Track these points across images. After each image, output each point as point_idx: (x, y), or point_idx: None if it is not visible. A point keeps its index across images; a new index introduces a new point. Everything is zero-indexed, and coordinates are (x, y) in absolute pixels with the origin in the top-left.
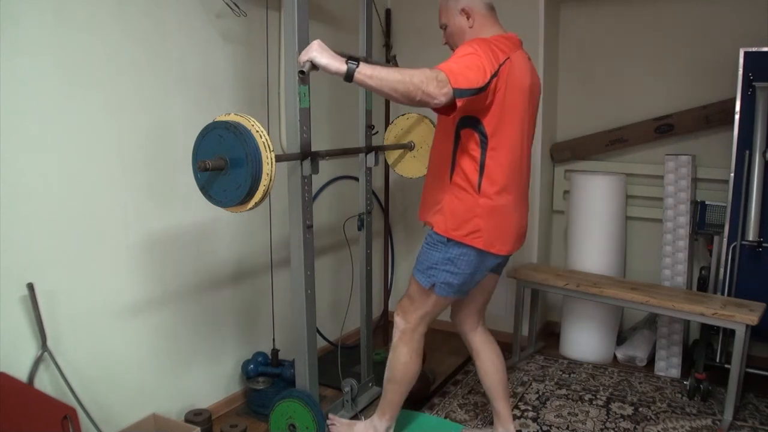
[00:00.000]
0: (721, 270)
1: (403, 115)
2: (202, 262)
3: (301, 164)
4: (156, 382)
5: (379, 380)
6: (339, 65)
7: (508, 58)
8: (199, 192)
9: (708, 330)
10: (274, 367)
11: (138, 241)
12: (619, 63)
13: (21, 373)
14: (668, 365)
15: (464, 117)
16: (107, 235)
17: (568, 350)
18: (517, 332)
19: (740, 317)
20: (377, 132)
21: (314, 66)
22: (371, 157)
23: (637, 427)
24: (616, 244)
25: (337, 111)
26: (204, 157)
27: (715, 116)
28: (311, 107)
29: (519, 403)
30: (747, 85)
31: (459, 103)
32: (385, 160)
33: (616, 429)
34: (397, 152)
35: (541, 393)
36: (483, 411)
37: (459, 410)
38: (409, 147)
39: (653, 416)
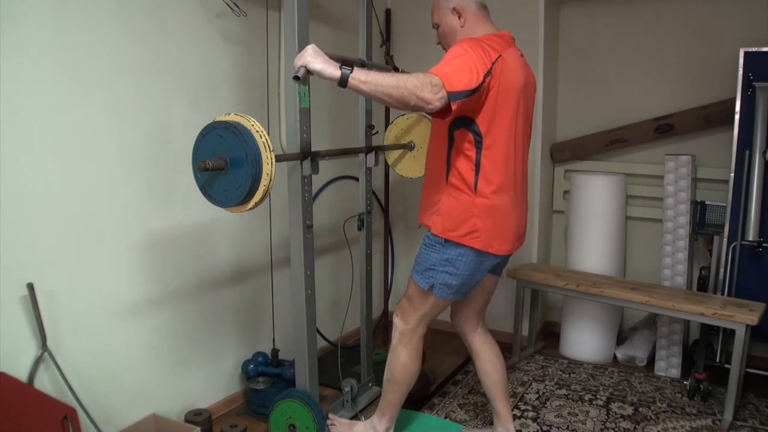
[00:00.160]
0: (721, 270)
1: (403, 115)
2: (202, 262)
3: (301, 164)
4: (156, 382)
5: (379, 380)
6: (333, 71)
7: (501, 55)
8: (199, 192)
9: (708, 330)
10: (274, 367)
11: (138, 241)
12: (619, 63)
13: (21, 373)
14: (668, 365)
15: (457, 117)
16: (107, 235)
17: (568, 350)
18: (517, 332)
19: (740, 317)
20: (377, 132)
21: (309, 71)
22: (371, 157)
23: (637, 427)
24: (616, 244)
25: (337, 111)
26: (204, 157)
27: (715, 116)
28: (311, 107)
29: (519, 403)
30: (747, 85)
31: (454, 106)
32: (385, 160)
33: (616, 429)
34: (397, 152)
35: (541, 393)
36: (483, 411)
37: (459, 410)
38: (409, 147)
39: (653, 416)
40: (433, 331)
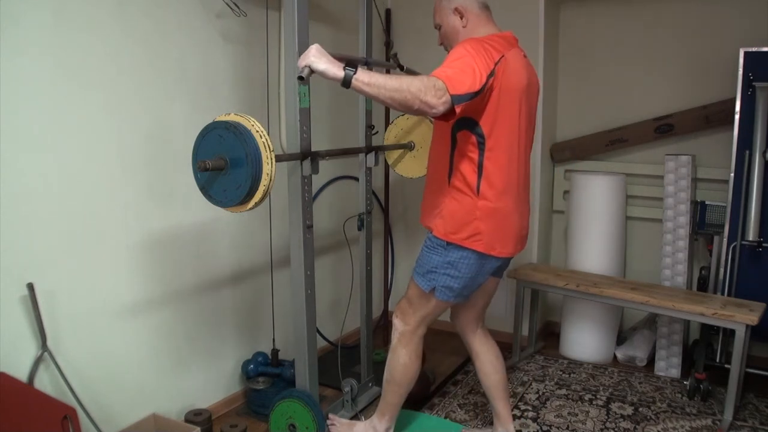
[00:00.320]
0: (721, 270)
1: (403, 115)
2: (202, 262)
3: (301, 164)
4: (156, 382)
5: (379, 380)
6: (336, 71)
7: (503, 56)
8: (199, 192)
9: (708, 330)
10: (274, 367)
11: (138, 241)
12: (619, 63)
13: (21, 373)
14: (668, 365)
15: (460, 119)
16: (107, 235)
17: (568, 350)
18: (517, 332)
19: (740, 317)
20: (377, 132)
21: (312, 71)
22: (371, 157)
23: (637, 427)
24: (616, 244)
25: (337, 111)
26: (204, 157)
27: (715, 116)
28: (311, 107)
29: (519, 403)
30: (747, 85)
31: (458, 109)
32: (385, 160)
33: (616, 429)
34: (397, 152)
35: (541, 393)
36: (483, 411)
37: (459, 410)
38: (409, 147)
39: (653, 416)
40: (433, 331)
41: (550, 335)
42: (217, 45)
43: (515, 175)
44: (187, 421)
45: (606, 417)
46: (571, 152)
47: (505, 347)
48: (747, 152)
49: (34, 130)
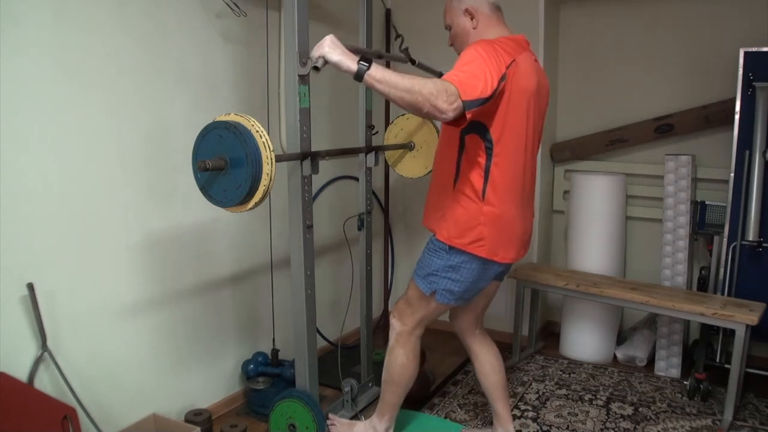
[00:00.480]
0: (721, 270)
1: (403, 115)
2: (202, 262)
3: (301, 164)
4: (156, 382)
5: (379, 380)
6: (350, 64)
7: (514, 60)
8: (199, 192)
9: (708, 330)
10: (274, 367)
11: (138, 241)
12: (619, 63)
13: (21, 373)
14: (668, 365)
15: (470, 122)
16: (107, 235)
17: (568, 350)
18: (517, 332)
19: (740, 317)
20: (377, 132)
21: (326, 62)
22: (371, 157)
23: (637, 427)
24: (616, 244)
25: (337, 111)
26: (204, 157)
27: (715, 116)
28: (311, 107)
29: (519, 403)
30: (747, 85)
31: (468, 115)
32: (385, 160)
33: (616, 429)
34: (397, 152)
35: (541, 393)
36: (483, 411)
37: (459, 410)
38: (409, 147)
39: (653, 416)
40: (433, 331)
41: (550, 335)
42: (217, 45)
43: (521, 180)
44: (187, 421)
45: (606, 417)
46: (571, 152)
47: (505, 347)
48: (747, 152)
49: (34, 130)
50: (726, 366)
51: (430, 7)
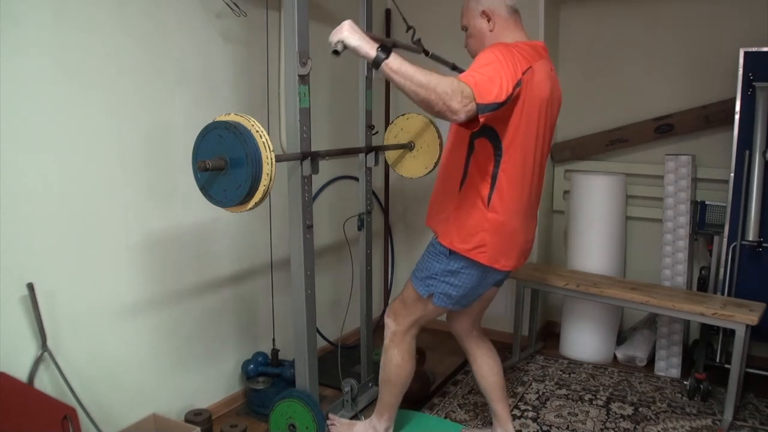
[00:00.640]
0: (721, 270)
1: (403, 115)
2: (202, 262)
3: (301, 164)
4: (156, 382)
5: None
6: (369, 49)
7: (530, 67)
8: (199, 192)
9: (708, 330)
10: (274, 367)
11: (138, 241)
12: (619, 63)
13: (21, 373)
14: (668, 365)
15: (481, 126)
16: (107, 235)
17: (568, 350)
18: (517, 332)
19: (740, 317)
20: (377, 132)
21: (345, 46)
22: (371, 157)
23: (637, 427)
24: (616, 244)
25: (337, 111)
26: (204, 157)
27: (715, 116)
28: (311, 107)
29: (519, 403)
30: (747, 85)
31: (482, 119)
32: (385, 160)
33: (616, 429)
34: (397, 152)
35: (541, 393)
36: (483, 411)
37: (459, 410)
38: (409, 147)
39: (653, 416)
40: (433, 331)
41: (550, 335)
42: (217, 45)
43: (527, 189)
44: (187, 421)
45: (606, 417)
46: (571, 152)
47: (505, 347)
48: (747, 152)
49: (34, 130)
50: (726, 366)
51: (430, 7)
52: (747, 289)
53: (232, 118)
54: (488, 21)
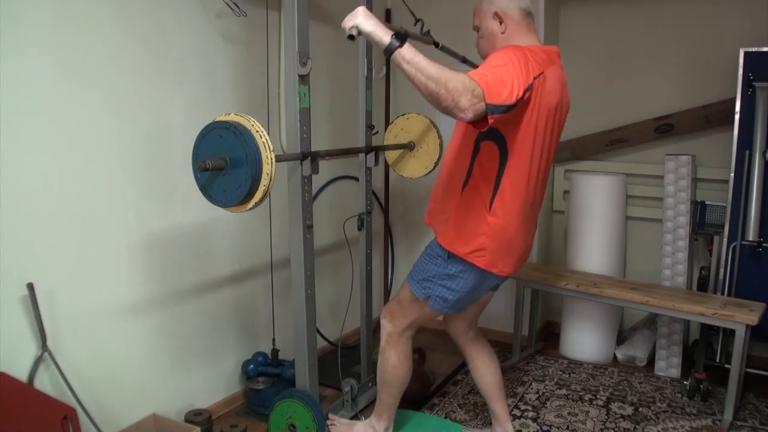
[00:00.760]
0: (721, 270)
1: (403, 115)
2: (202, 262)
3: (301, 164)
4: (156, 382)
5: None
6: (382, 35)
7: (543, 73)
8: (199, 192)
9: (708, 330)
10: (274, 367)
11: (138, 241)
12: (618, 63)
13: (21, 373)
14: (668, 365)
15: (489, 128)
16: (107, 235)
17: (568, 350)
18: (517, 332)
19: (740, 317)
20: (377, 132)
21: (360, 31)
22: (371, 157)
23: (637, 427)
24: (616, 244)
25: (337, 111)
26: (204, 157)
27: (715, 116)
28: (311, 107)
29: (519, 403)
30: (747, 85)
31: (491, 120)
32: (385, 160)
33: (616, 429)
34: (397, 152)
35: (541, 393)
36: (483, 411)
37: (459, 410)
38: (409, 147)
39: (653, 416)
40: (433, 331)
41: (550, 335)
42: (217, 45)
43: (531, 195)
44: (187, 421)
45: (606, 417)
46: (571, 152)
47: (505, 347)
48: (747, 152)
49: (34, 130)
50: (726, 366)
51: (430, 6)
52: (747, 289)
53: (232, 118)
54: (500, 23)
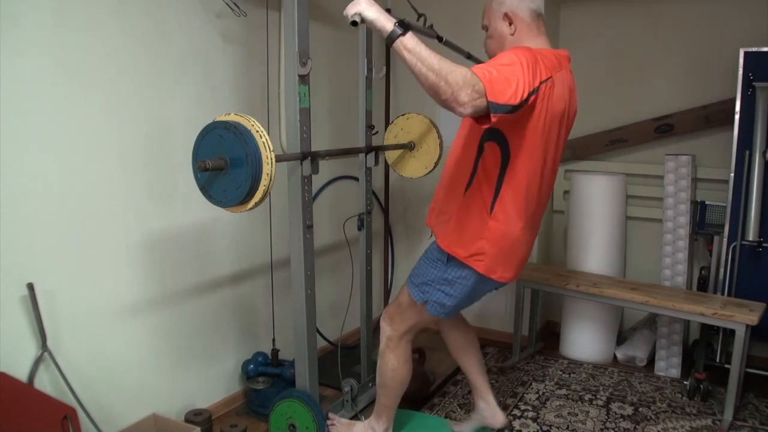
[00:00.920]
0: (721, 270)
1: (403, 115)
2: (202, 262)
3: (301, 164)
4: (156, 382)
5: None
6: (385, 22)
7: (551, 77)
8: (199, 192)
9: (708, 330)
10: (274, 367)
11: (138, 241)
12: (618, 63)
13: (21, 373)
14: (668, 365)
15: (492, 129)
16: (107, 235)
17: (568, 350)
18: (517, 332)
19: (740, 317)
20: (377, 132)
21: (363, 18)
22: (371, 157)
23: (637, 427)
24: (616, 244)
25: (337, 111)
26: (204, 157)
27: (715, 116)
28: (311, 107)
29: (519, 403)
30: (747, 85)
31: (494, 119)
32: (385, 160)
33: (616, 429)
34: (397, 152)
35: (541, 393)
36: None
37: (459, 410)
38: (409, 147)
39: (653, 416)
40: (433, 330)
41: (550, 335)
42: (217, 45)
43: (534, 201)
44: (187, 421)
45: (606, 417)
46: (571, 152)
47: (505, 347)
48: (747, 152)
49: (34, 130)
50: (726, 366)
51: (429, 6)
52: (747, 289)
53: (232, 118)
54: (510, 24)
